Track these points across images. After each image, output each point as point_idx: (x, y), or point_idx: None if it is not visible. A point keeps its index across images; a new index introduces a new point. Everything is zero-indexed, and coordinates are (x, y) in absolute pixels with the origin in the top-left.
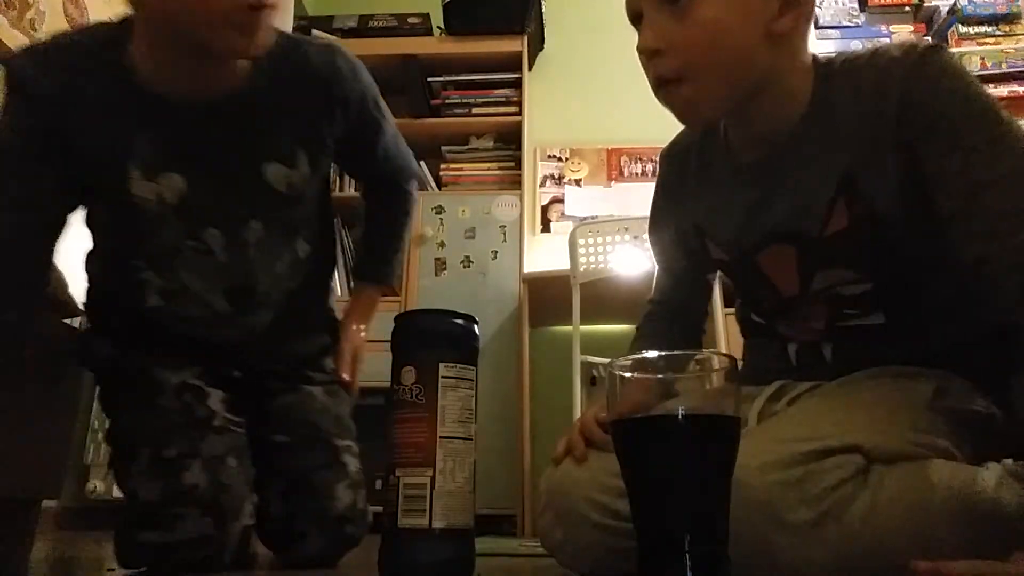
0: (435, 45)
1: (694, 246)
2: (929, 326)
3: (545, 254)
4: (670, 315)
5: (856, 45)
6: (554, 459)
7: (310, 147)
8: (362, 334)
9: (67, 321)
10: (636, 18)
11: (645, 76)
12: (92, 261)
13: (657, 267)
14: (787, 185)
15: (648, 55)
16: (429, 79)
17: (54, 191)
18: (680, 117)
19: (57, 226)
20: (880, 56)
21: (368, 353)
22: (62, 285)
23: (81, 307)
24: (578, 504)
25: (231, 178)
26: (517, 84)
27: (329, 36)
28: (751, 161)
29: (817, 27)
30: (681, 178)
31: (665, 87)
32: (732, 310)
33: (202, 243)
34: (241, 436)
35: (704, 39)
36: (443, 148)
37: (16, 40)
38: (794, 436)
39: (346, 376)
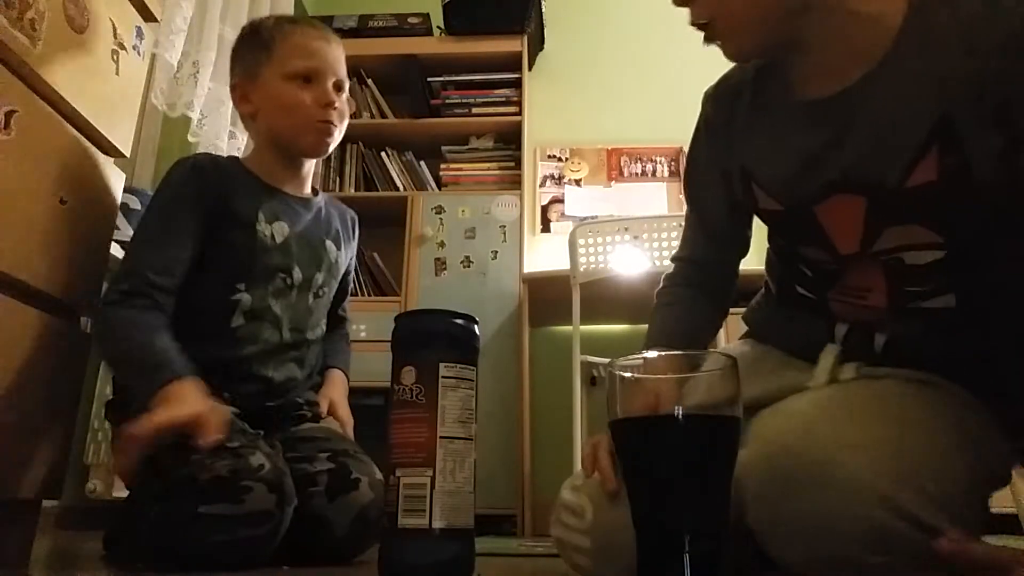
0: (435, 45)
1: (738, 193)
2: (1003, 327)
3: (545, 254)
4: (698, 277)
5: None
6: (608, 493)
7: (343, 244)
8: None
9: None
10: None
11: (645, 76)
12: (187, 293)
13: (688, 219)
14: (866, 124)
15: (682, 3)
16: (429, 79)
17: (199, 235)
18: (726, 55)
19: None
20: None
21: (368, 353)
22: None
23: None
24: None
25: (310, 240)
26: (517, 84)
27: None
28: (820, 97)
29: None
30: (730, 117)
31: (703, 30)
32: (732, 310)
33: (288, 277)
34: None
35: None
36: (443, 148)
37: (16, 40)
38: (924, 473)
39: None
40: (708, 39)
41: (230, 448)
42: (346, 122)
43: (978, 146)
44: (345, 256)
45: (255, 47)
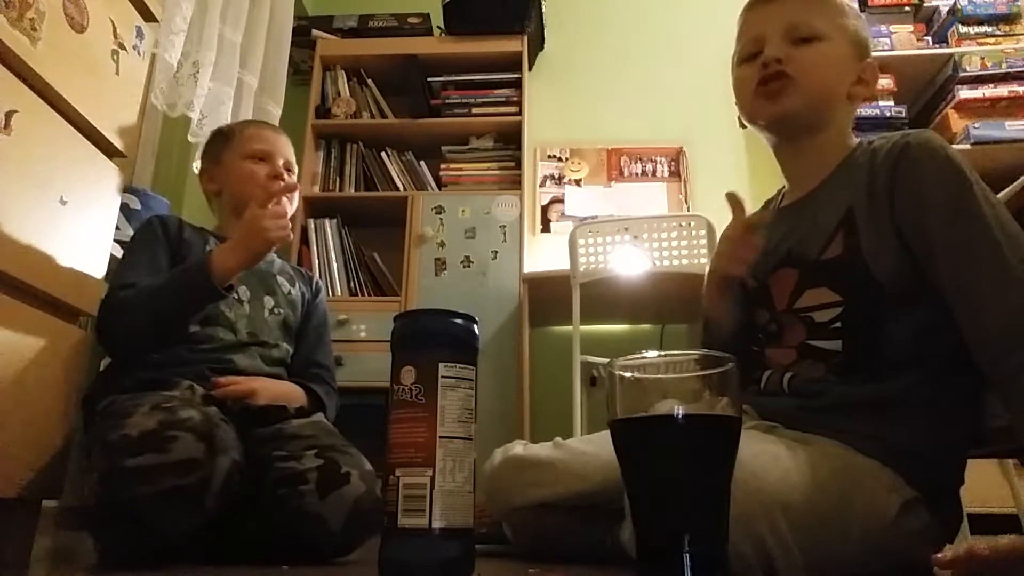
0: (435, 45)
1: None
2: (880, 371)
3: (545, 254)
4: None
5: None
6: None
7: (299, 284)
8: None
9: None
10: (759, 50)
11: (645, 76)
12: None
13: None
14: (808, 222)
15: (769, 62)
16: (429, 79)
17: (167, 266)
18: (767, 98)
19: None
20: (892, 135)
21: (368, 353)
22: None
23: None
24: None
25: (257, 272)
26: (517, 84)
27: (329, 36)
28: (790, 204)
29: None
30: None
31: (770, 81)
32: None
33: (237, 294)
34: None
35: (815, 61)
36: (443, 148)
37: (16, 40)
38: (778, 511)
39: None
40: (767, 81)
41: (166, 407)
42: (296, 195)
43: (868, 232)
44: (299, 295)
45: (219, 140)
